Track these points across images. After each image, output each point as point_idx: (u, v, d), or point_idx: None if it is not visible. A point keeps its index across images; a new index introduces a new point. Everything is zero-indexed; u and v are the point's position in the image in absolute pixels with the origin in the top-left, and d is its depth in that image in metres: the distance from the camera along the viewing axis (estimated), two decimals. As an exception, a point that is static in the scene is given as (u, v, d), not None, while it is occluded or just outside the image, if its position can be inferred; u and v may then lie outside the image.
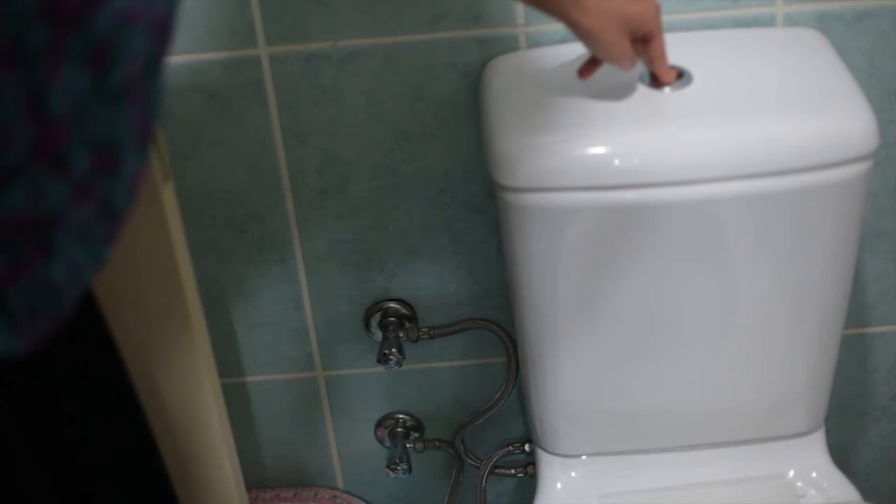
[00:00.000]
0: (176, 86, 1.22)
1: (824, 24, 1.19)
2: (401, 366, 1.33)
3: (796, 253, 1.11)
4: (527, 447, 1.45)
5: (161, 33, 0.49)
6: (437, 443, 1.45)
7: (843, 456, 1.48)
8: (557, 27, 1.19)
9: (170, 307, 0.78)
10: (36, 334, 0.50)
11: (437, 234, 1.32)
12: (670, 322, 1.16)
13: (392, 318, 1.36)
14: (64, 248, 0.49)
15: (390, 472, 1.42)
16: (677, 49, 1.13)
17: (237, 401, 1.44)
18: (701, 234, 1.09)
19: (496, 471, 1.47)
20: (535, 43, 1.21)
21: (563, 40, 1.19)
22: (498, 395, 1.39)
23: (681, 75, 1.11)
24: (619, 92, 1.10)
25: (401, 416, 1.46)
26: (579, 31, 0.99)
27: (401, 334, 1.34)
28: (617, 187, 1.06)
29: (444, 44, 1.20)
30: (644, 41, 1.04)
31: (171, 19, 0.50)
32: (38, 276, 0.49)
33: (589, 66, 1.08)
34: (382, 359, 1.33)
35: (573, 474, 1.28)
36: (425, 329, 1.35)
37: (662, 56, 1.07)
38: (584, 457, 1.27)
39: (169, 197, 0.75)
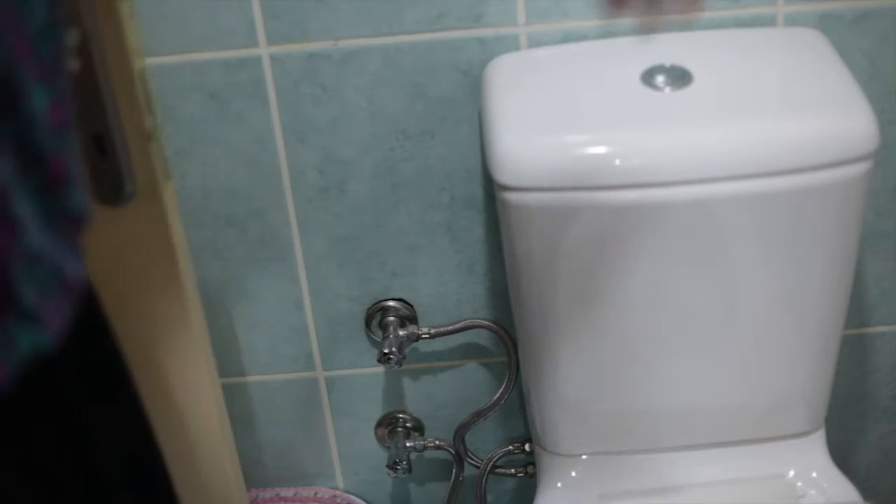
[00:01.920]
0: (176, 85, 1.22)
1: (825, 24, 1.19)
2: (401, 366, 1.33)
3: (796, 253, 1.11)
4: (527, 447, 1.44)
5: None
6: (437, 443, 1.45)
7: (843, 456, 1.48)
8: (558, 27, 1.19)
9: (170, 307, 0.78)
10: (57, 317, 0.48)
11: (437, 233, 1.32)
12: (670, 322, 1.16)
13: (392, 318, 1.36)
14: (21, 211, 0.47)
15: (390, 472, 1.42)
16: (677, 49, 1.13)
17: (237, 401, 1.43)
18: (701, 234, 1.09)
19: (496, 471, 1.47)
20: (535, 43, 1.21)
21: (563, 40, 1.19)
22: (498, 395, 1.39)
23: (682, 74, 1.11)
24: (619, 92, 1.10)
25: (401, 416, 1.46)
26: None
27: (401, 334, 1.34)
28: (617, 187, 1.06)
29: (444, 43, 1.20)
30: None
31: None
32: (23, 249, 0.46)
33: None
34: (382, 359, 1.33)
35: (573, 474, 1.27)
36: (425, 329, 1.35)
37: None
38: (584, 456, 1.27)
39: (169, 196, 0.75)
